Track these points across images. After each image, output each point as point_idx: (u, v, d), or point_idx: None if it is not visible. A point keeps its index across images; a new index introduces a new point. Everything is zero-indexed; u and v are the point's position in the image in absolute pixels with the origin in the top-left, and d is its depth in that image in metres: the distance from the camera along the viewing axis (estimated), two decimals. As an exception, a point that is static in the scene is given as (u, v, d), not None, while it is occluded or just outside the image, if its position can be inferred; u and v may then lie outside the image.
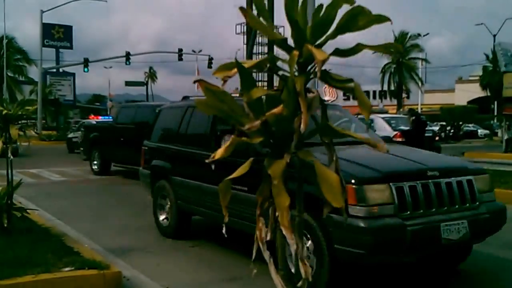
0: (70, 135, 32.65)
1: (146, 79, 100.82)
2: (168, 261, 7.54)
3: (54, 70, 56.18)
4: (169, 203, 8.80)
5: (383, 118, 21.27)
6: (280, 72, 2.11)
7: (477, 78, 71.32)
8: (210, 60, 52.84)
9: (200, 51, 60.60)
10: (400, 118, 22.15)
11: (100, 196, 14.10)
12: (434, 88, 79.10)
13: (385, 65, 64.49)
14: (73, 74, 60.25)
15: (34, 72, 55.38)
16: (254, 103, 2.06)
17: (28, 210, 8.06)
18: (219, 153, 2.17)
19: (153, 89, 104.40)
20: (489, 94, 64.74)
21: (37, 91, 49.61)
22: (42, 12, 47.37)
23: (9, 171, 7.70)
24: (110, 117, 38.34)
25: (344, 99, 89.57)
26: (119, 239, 8.82)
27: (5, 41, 51.50)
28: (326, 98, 74.41)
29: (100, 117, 37.20)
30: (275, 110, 1.93)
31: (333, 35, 2.06)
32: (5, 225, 7.29)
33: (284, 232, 2.07)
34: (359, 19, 1.97)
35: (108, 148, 18.49)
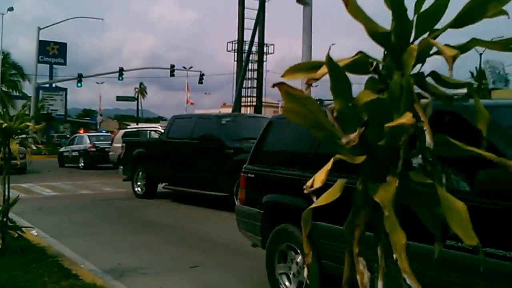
0: (62, 149, 32.31)
1: (137, 95, 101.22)
2: (169, 284, 7.12)
3: (47, 85, 55.79)
4: (299, 260, 5.85)
5: None
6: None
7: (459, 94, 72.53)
8: (201, 76, 52.64)
9: (191, 67, 60.34)
10: None
11: (93, 211, 13.60)
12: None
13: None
14: (65, 89, 60.43)
15: (27, 87, 55.04)
16: (347, 111, 1.65)
17: (23, 228, 7.65)
18: (319, 179, 1.69)
19: (143, 104, 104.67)
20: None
21: (29, 106, 49.08)
22: (39, 29, 47.12)
23: (6, 186, 7.30)
24: (103, 131, 37.92)
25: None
26: (116, 258, 8.38)
27: (0, 57, 51.13)
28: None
29: (92, 131, 36.64)
30: (405, 120, 1.49)
31: (445, 28, 1.68)
32: (0, 246, 6.87)
33: (408, 281, 1.60)
34: (489, 7, 1.60)
35: (158, 167, 15.74)
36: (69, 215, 12.94)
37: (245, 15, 42.61)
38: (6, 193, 7.25)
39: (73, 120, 77.98)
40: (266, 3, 23.18)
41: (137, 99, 73.19)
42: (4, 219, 7.13)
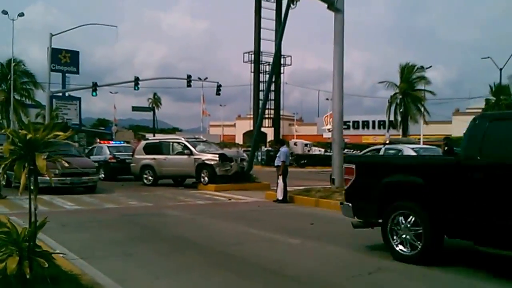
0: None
1: (151, 105, 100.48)
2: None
3: (60, 94, 54.99)
4: None
5: (412, 148, 20.01)
6: None
7: (474, 110, 72.57)
8: (219, 87, 51.19)
9: (206, 78, 59.27)
10: (431, 148, 20.83)
11: (122, 228, 12.34)
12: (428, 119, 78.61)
13: (392, 96, 64.61)
14: (79, 99, 59.84)
15: (39, 96, 54.39)
16: None
17: (53, 255, 6.57)
18: None
19: (156, 115, 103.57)
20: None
21: (43, 114, 48.47)
22: (52, 35, 46.20)
23: (33, 206, 6.23)
24: (122, 142, 36.87)
25: (345, 128, 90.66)
26: (157, 285, 7.32)
27: (12, 64, 50.53)
28: (327, 127, 73.71)
29: (112, 142, 35.37)
30: None
31: None
32: (28, 276, 5.78)
33: None
34: None
35: (469, 212, 8.04)
36: (97, 232, 11.80)
37: (262, 25, 41.95)
38: (33, 214, 6.17)
39: (88, 130, 77.42)
40: (290, 10, 22.04)
41: (153, 109, 72.35)
42: (31, 244, 6.05)
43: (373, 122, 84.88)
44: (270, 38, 41.89)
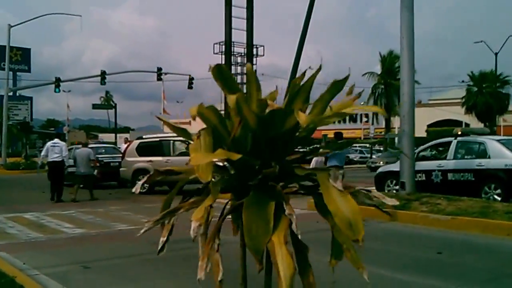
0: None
1: (104, 103, 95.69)
2: None
3: (11, 93, 50.00)
4: None
5: (498, 141, 15.54)
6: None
7: (438, 102, 71.23)
8: (191, 79, 47.27)
9: (166, 73, 54.83)
10: None
11: (174, 270, 8.03)
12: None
13: (373, 86, 60.54)
14: (31, 98, 56.99)
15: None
16: None
17: None
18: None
19: (109, 114, 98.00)
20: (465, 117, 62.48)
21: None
22: (10, 26, 41.46)
23: None
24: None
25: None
26: None
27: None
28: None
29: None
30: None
31: None
32: None
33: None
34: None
35: None
36: (143, 280, 7.58)
37: (232, 14, 38.33)
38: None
39: (39, 131, 71.80)
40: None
41: (115, 107, 66.94)
42: None
43: (356, 115, 78.97)
44: (240, 27, 37.95)
